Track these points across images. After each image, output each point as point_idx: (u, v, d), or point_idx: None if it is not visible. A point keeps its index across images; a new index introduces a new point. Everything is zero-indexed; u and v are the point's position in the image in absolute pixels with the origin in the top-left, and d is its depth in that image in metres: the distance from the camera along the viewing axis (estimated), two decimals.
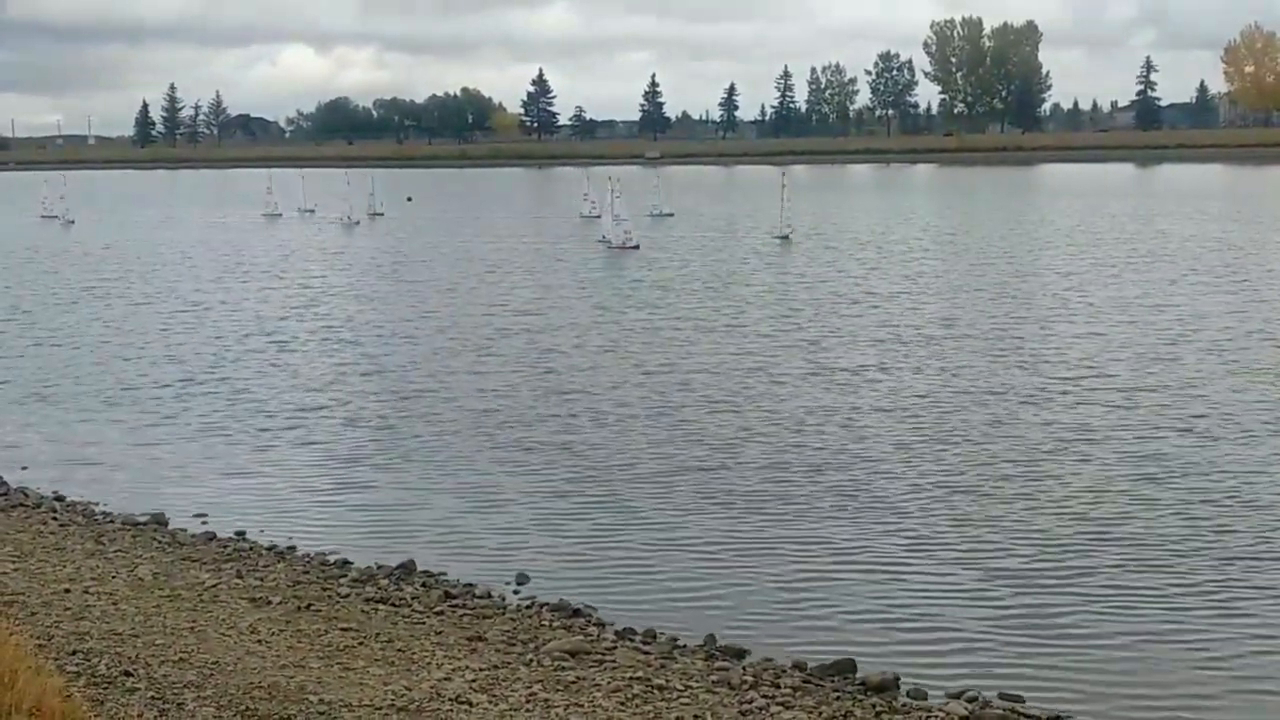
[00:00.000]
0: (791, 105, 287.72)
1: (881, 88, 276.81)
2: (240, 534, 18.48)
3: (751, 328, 36.49)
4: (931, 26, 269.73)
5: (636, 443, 23.53)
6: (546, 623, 14.65)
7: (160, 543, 17.79)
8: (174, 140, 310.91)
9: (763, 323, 37.44)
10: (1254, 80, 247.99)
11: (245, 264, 59.58)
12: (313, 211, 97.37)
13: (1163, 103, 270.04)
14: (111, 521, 19.02)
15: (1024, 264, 53.27)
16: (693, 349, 33.20)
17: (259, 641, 13.22)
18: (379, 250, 66.55)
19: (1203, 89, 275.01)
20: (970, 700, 12.66)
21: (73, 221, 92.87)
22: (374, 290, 48.32)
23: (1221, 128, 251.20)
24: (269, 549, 17.68)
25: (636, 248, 60.98)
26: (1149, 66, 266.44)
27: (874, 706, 12.36)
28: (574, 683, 12.48)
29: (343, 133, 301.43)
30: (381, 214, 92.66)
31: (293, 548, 17.75)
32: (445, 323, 39.01)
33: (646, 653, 13.71)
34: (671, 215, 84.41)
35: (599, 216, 77.09)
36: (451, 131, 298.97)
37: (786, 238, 65.09)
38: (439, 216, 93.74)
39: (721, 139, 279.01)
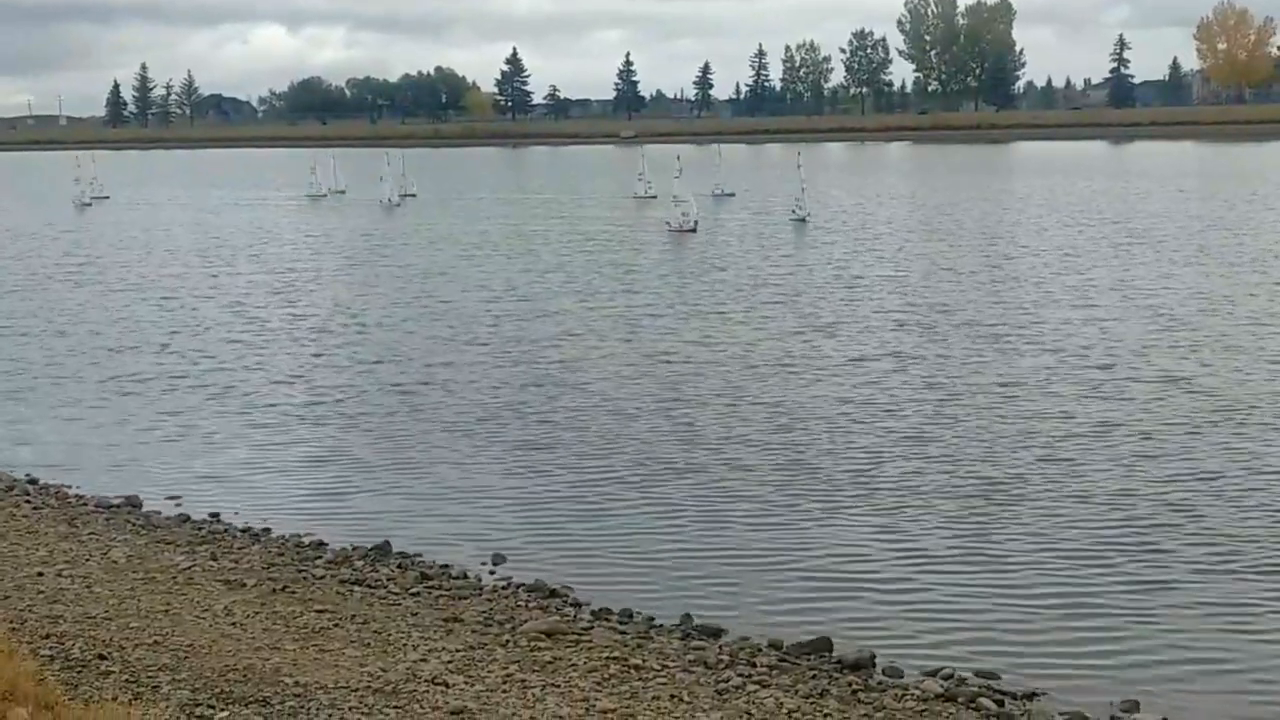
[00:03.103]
0: (766, 84, 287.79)
1: (856, 66, 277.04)
2: (214, 516, 18.41)
3: (755, 313, 35.73)
4: (905, 4, 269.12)
5: (614, 423, 23.51)
6: (523, 603, 14.65)
7: (134, 525, 17.72)
8: (146, 120, 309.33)
9: (764, 307, 36.76)
10: (1226, 57, 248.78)
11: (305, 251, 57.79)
12: (344, 192, 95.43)
13: (1136, 80, 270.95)
14: (85, 504, 18.94)
15: (1030, 244, 52.08)
16: (691, 336, 32.56)
17: (234, 624, 13.18)
18: (417, 232, 65.15)
19: (1175, 66, 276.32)
20: (946, 678, 12.70)
21: (89, 204, 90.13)
22: (372, 275, 47.75)
23: (1194, 105, 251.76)
24: (243, 531, 17.62)
25: (693, 230, 59.20)
26: (1122, 44, 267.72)
27: (850, 684, 12.40)
28: (550, 663, 12.47)
29: (316, 112, 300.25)
30: (414, 195, 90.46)
31: (267, 529, 17.70)
32: (442, 308, 38.51)
33: (623, 632, 13.72)
34: (733, 195, 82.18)
35: (655, 196, 75.69)
36: (425, 111, 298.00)
37: (804, 219, 63.14)
38: (462, 197, 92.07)
39: (696, 118, 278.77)
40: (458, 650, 12.66)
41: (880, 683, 12.58)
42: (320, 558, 16.30)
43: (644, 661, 12.65)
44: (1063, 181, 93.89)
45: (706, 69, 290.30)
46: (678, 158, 62.79)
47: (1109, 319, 32.97)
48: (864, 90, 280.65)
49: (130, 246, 60.53)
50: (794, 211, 64.43)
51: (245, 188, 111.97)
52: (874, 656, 13.17)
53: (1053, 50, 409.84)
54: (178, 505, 19.04)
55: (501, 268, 47.68)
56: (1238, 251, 47.65)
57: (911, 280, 41.60)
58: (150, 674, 11.21)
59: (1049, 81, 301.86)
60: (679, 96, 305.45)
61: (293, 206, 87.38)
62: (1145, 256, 46.53)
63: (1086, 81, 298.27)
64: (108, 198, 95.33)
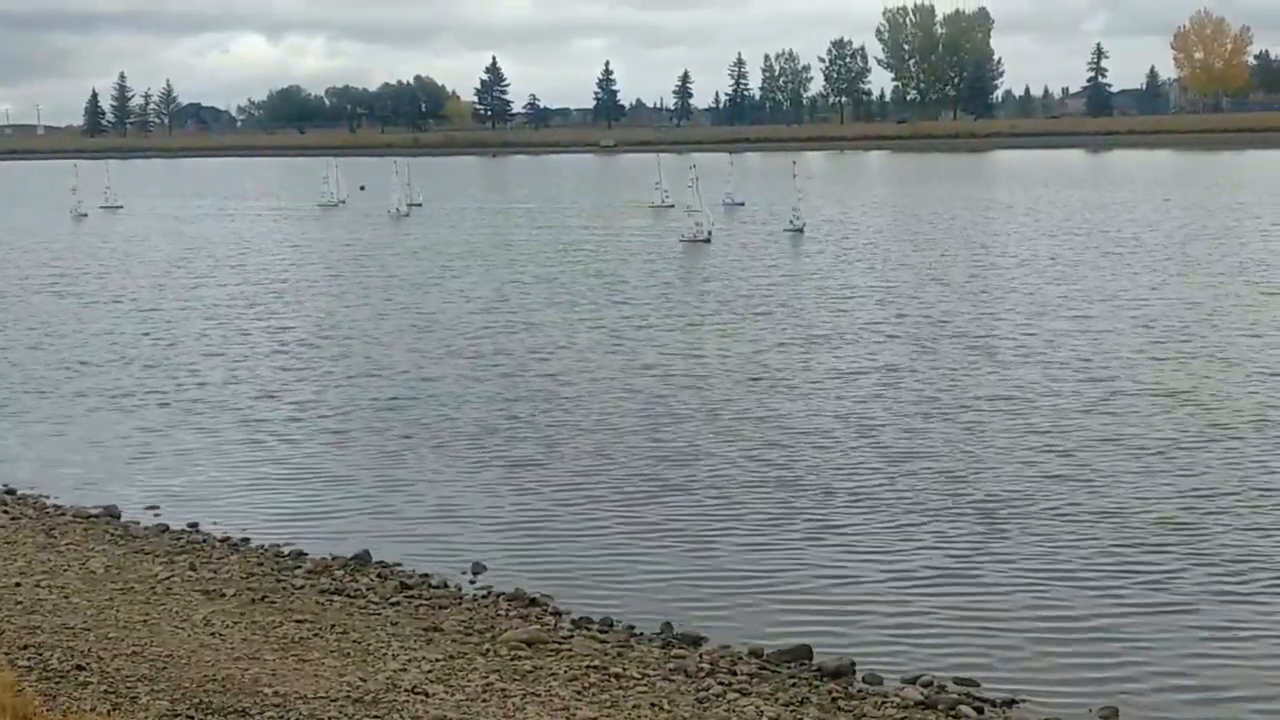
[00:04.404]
0: (745, 92, 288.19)
1: (835, 75, 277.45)
2: (193, 526, 18.36)
3: (747, 325, 35.16)
4: (884, 13, 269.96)
5: (593, 433, 23.50)
6: (503, 612, 14.64)
7: (113, 535, 17.66)
8: (124, 129, 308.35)
9: (758, 320, 36.14)
10: (1203, 66, 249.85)
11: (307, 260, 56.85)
12: (344, 202, 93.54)
13: (1113, 89, 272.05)
14: (63, 514, 18.86)
15: (1018, 254, 51.62)
16: (680, 348, 32.14)
17: (213, 634, 13.14)
18: (431, 242, 63.93)
19: (1153, 75, 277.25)
20: (925, 685, 12.74)
21: (85, 215, 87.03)
22: (352, 284, 47.68)
23: (1171, 114, 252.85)
24: (222, 541, 17.56)
25: (708, 241, 58.12)
26: (1099, 53, 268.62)
27: (830, 692, 12.42)
28: (531, 672, 12.46)
29: (295, 121, 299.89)
30: (419, 204, 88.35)
31: (246, 539, 17.65)
32: (427, 319, 38.35)
33: (603, 641, 13.72)
34: (743, 204, 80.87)
35: (672, 205, 74.62)
36: (404, 120, 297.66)
37: (801, 230, 62.04)
38: (468, 207, 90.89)
39: (676, 126, 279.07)
40: (438, 659, 12.65)
41: (860, 690, 12.60)
42: (299, 567, 16.27)
43: (624, 670, 12.65)
44: (1046, 191, 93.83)
45: (686, 78, 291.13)
46: (692, 166, 61.87)
47: (1100, 330, 32.79)
48: (843, 99, 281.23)
49: (152, 259, 58.96)
50: (791, 222, 63.35)
51: (252, 197, 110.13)
52: (854, 664, 13.20)
53: (1031, 59, 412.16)
54: (156, 515, 18.97)
55: (510, 279, 46.71)
56: (1226, 261, 47.40)
57: (909, 292, 40.83)
58: (129, 684, 11.17)
59: (1027, 90, 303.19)
60: (658, 105, 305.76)
61: (306, 216, 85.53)
62: (1134, 266, 46.40)
63: (1064, 90, 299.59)
64: (121, 207, 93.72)
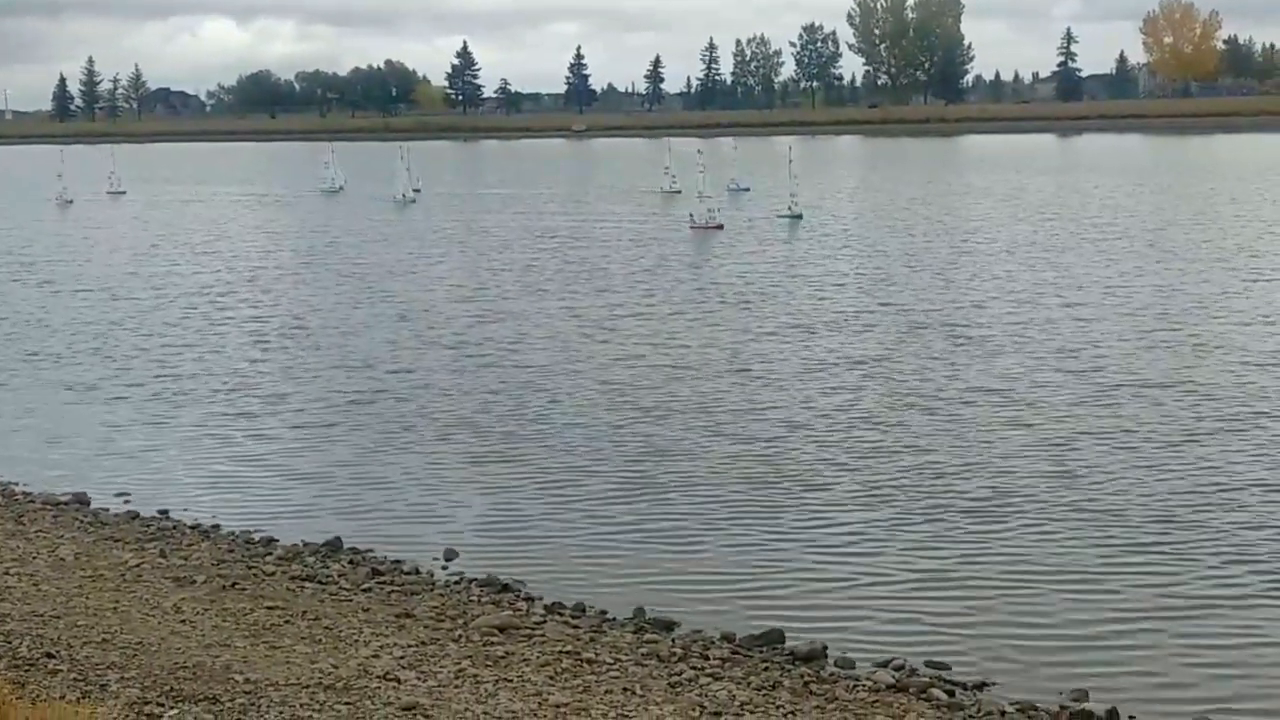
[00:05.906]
0: (717, 77, 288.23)
1: (806, 60, 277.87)
2: (163, 513, 18.26)
3: (739, 313, 34.71)
4: None
5: (565, 417, 23.46)
6: (475, 598, 14.62)
7: (82, 522, 17.57)
8: (93, 114, 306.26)
9: (728, 308, 35.80)
10: (1172, 51, 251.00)
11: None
12: (342, 189, 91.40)
13: (1083, 74, 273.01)
14: (32, 501, 18.75)
15: (1017, 239, 51.05)
16: (660, 339, 31.73)
17: (183, 621, 13.09)
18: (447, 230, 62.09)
19: (1122, 60, 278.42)
20: (897, 669, 12.77)
21: (70, 201, 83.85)
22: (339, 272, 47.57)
23: (1141, 98, 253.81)
24: (193, 527, 17.48)
25: (720, 227, 56.70)
26: (1069, 38, 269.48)
27: (802, 676, 12.43)
28: (503, 658, 12.45)
29: (265, 106, 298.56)
30: (419, 190, 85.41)
31: (217, 526, 17.57)
32: (402, 304, 38.20)
33: (576, 626, 13.71)
34: (748, 190, 79.10)
35: (679, 191, 73.72)
36: (375, 104, 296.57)
37: (799, 216, 60.47)
38: (465, 193, 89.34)
39: (648, 111, 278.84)
40: (410, 646, 12.62)
41: (832, 674, 12.62)
42: (270, 554, 16.21)
43: (597, 655, 12.65)
44: (1023, 176, 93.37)
45: (658, 62, 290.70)
46: (699, 151, 60.73)
47: (1086, 318, 32.51)
48: (814, 84, 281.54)
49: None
50: (790, 208, 61.65)
51: (249, 183, 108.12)
52: (826, 648, 13.22)
53: (1001, 44, 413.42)
54: (126, 502, 18.88)
55: (523, 266, 46.05)
56: (1205, 247, 47.13)
57: (908, 281, 40.04)
58: (99, 672, 11.12)
59: (997, 75, 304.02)
60: (630, 90, 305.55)
61: (308, 202, 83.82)
62: (1113, 252, 46.17)
63: (1034, 75, 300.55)
64: (124, 193, 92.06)
